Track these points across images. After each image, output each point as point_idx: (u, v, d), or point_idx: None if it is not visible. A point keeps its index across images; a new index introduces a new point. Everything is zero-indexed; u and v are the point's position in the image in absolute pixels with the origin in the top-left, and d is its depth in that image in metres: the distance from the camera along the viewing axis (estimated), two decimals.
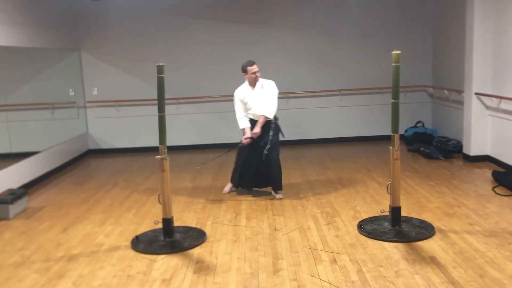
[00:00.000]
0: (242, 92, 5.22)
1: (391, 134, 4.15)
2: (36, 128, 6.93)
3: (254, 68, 5.08)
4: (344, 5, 8.22)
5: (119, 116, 8.40)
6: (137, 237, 4.27)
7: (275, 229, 4.38)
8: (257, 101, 5.15)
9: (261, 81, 5.18)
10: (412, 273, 3.37)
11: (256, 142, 5.19)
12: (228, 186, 5.61)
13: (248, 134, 5.17)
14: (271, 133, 5.17)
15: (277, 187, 5.33)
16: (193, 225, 4.58)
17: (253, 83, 5.17)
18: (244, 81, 5.31)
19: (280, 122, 5.31)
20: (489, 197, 5.03)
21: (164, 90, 4.07)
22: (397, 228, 4.20)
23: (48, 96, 7.24)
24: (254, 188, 5.47)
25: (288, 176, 6.26)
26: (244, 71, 5.14)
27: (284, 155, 7.59)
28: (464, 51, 6.63)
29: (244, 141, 5.16)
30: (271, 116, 5.12)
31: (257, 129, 5.12)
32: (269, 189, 5.49)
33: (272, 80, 5.26)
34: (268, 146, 5.14)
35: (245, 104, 5.21)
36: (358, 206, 4.91)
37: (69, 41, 7.93)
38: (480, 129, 6.49)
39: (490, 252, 3.66)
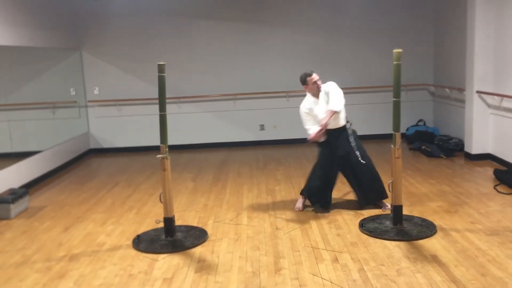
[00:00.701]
0: (307, 105, 4.75)
1: (393, 132, 4.14)
2: (37, 127, 6.94)
3: (315, 77, 4.61)
4: (345, 3, 8.21)
5: (120, 116, 8.40)
6: (138, 236, 4.27)
7: (277, 228, 4.37)
8: (325, 110, 4.65)
9: (323, 88, 4.67)
10: (413, 272, 3.37)
11: (335, 153, 4.73)
12: (300, 202, 4.94)
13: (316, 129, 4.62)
14: (351, 139, 4.73)
15: (383, 196, 4.79)
16: (195, 224, 4.58)
17: (316, 94, 4.69)
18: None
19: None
20: (490, 195, 5.01)
21: (165, 89, 4.07)
22: (399, 226, 4.19)
23: (49, 95, 7.24)
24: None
25: (290, 175, 6.27)
26: (304, 83, 4.66)
27: (286, 155, 7.62)
28: (465, 49, 6.61)
29: (312, 135, 4.62)
30: (337, 108, 4.51)
31: (325, 120, 4.52)
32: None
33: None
34: (358, 153, 4.70)
35: (314, 116, 4.73)
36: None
37: (70, 40, 7.94)
38: (481, 128, 6.48)
39: (492, 251, 3.65)
